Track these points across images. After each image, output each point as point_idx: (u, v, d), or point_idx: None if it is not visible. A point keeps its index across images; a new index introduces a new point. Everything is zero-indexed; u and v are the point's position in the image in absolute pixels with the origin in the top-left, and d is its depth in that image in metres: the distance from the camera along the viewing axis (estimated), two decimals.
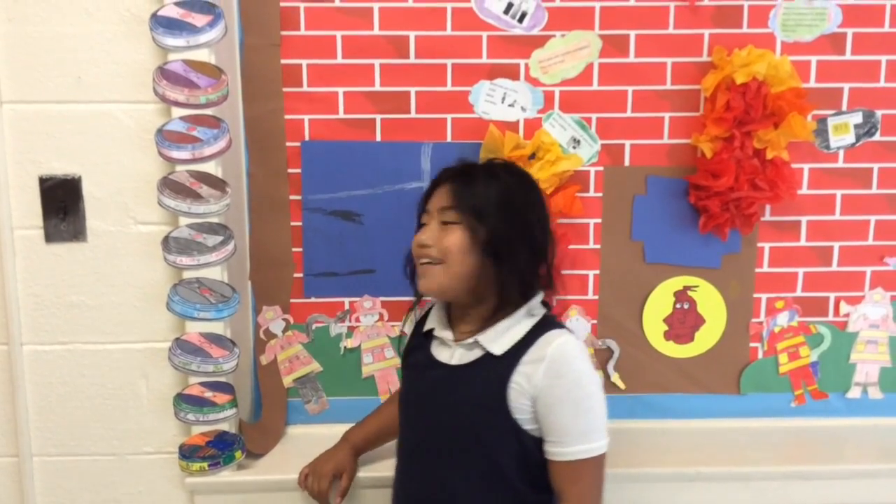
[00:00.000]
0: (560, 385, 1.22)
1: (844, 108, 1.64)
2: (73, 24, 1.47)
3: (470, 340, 1.29)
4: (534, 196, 1.33)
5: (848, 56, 1.62)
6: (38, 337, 1.57)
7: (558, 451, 1.24)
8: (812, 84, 1.62)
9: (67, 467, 1.62)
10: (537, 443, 1.26)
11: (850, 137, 1.66)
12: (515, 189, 1.29)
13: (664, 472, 1.57)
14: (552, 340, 1.25)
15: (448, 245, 1.25)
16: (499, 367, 1.25)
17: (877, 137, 1.66)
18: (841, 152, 1.66)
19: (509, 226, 1.25)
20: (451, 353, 1.31)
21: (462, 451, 1.27)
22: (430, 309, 1.42)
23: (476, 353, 1.28)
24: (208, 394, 1.52)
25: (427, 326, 1.38)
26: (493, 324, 1.28)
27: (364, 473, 1.53)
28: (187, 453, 1.54)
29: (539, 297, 1.31)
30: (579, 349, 1.26)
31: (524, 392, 1.23)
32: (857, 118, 1.65)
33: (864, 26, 1.61)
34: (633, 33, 1.60)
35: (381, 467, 1.52)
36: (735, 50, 1.57)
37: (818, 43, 1.62)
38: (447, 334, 1.32)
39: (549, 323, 1.30)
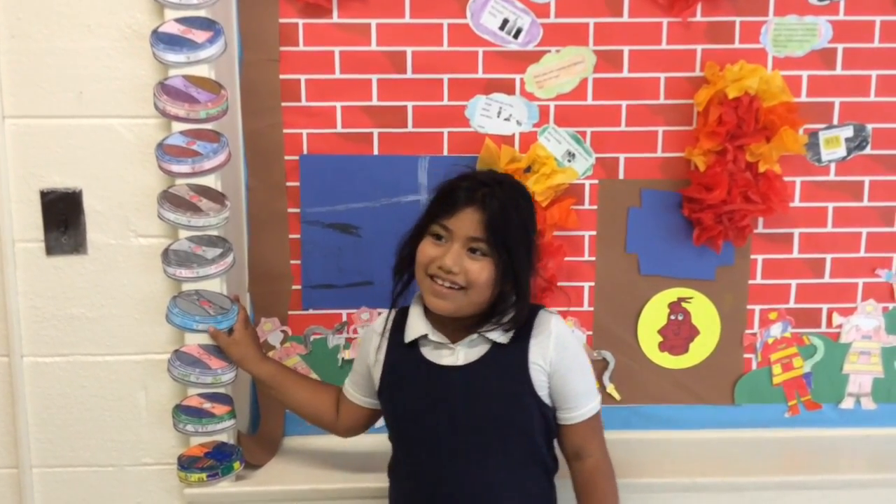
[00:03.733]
0: (567, 355, 1.35)
1: (835, 122, 1.66)
2: (75, 40, 1.48)
3: (474, 336, 1.34)
4: (535, 217, 1.42)
5: (839, 71, 1.64)
6: (38, 349, 1.58)
7: (578, 413, 1.37)
8: (803, 98, 1.64)
9: (67, 478, 1.63)
10: (553, 413, 1.37)
11: (841, 151, 1.67)
12: (530, 217, 1.38)
13: (659, 483, 1.59)
14: (548, 318, 1.37)
15: (475, 277, 1.30)
16: (511, 353, 1.34)
17: (867, 151, 1.67)
18: (832, 165, 1.68)
19: (527, 258, 1.34)
20: (453, 354, 1.35)
21: (499, 439, 1.34)
22: (397, 319, 1.43)
23: (482, 348, 1.35)
24: (207, 405, 1.53)
25: (412, 335, 1.38)
26: (491, 320, 1.34)
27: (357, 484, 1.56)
28: (186, 464, 1.55)
29: None
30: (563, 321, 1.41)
31: (542, 369, 1.34)
32: (848, 132, 1.67)
33: (855, 42, 1.63)
34: (626, 49, 1.62)
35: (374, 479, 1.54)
36: (727, 65, 1.59)
37: (809, 58, 1.63)
38: (443, 338, 1.36)
39: (530, 306, 1.38)
